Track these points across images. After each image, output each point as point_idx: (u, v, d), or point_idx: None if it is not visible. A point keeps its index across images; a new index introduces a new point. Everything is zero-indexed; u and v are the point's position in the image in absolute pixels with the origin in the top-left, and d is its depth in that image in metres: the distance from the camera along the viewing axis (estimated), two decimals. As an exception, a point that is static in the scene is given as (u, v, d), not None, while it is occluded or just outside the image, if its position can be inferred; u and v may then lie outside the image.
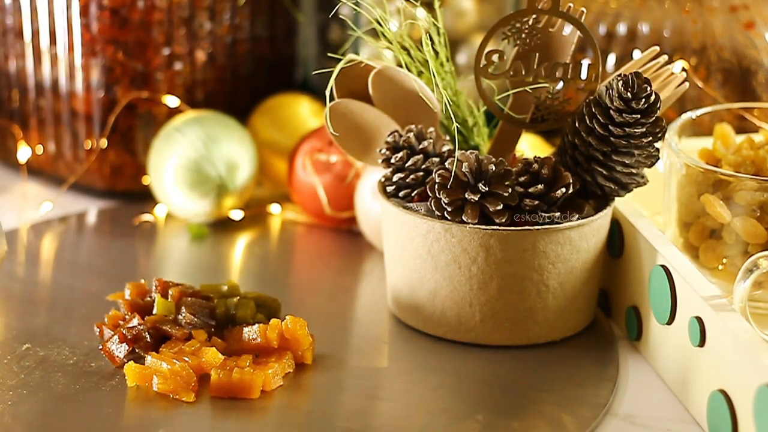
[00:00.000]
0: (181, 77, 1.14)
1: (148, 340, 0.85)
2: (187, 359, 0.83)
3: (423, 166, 0.89)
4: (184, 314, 0.87)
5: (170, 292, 0.89)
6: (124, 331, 0.85)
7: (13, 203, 1.14)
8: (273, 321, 0.85)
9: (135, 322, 0.86)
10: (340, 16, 1.19)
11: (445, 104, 0.91)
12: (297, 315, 0.87)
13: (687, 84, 0.90)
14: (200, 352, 0.84)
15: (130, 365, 0.83)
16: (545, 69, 0.90)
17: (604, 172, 0.88)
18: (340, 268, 1.02)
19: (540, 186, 0.86)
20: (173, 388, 0.81)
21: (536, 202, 0.86)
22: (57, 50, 1.12)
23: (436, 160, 0.90)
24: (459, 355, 0.88)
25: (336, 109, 0.91)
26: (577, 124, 0.88)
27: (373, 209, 1.02)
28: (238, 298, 0.89)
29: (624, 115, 0.85)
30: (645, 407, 0.84)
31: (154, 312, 0.88)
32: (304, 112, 1.17)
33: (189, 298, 0.88)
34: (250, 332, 0.85)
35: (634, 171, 0.88)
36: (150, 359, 0.83)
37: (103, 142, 1.12)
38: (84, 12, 1.09)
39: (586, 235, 0.88)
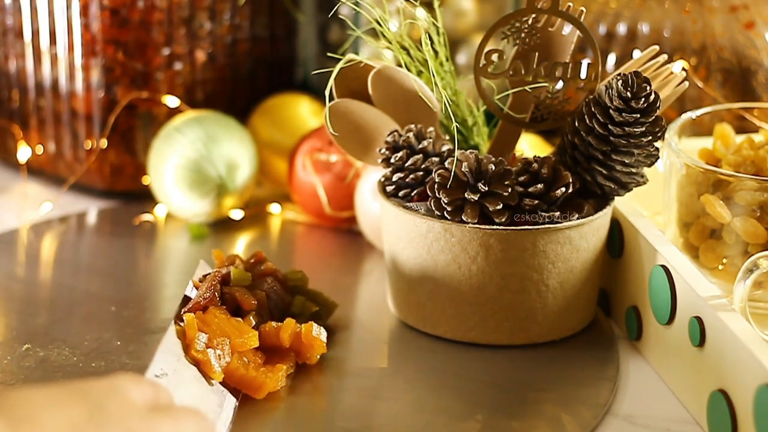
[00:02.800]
0: (181, 77, 1.14)
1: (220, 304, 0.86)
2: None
3: (423, 166, 0.89)
4: (257, 291, 0.87)
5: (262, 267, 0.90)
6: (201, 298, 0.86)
7: (13, 203, 1.14)
8: (288, 321, 0.85)
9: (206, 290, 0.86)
10: (340, 16, 1.19)
11: (445, 104, 0.91)
12: (297, 315, 0.87)
13: (686, 83, 0.90)
14: (242, 328, 0.83)
15: (191, 316, 0.83)
16: (545, 68, 0.90)
17: (604, 171, 0.88)
18: (340, 268, 1.02)
19: (540, 185, 0.86)
20: (206, 359, 0.81)
21: (536, 201, 0.86)
22: (57, 50, 1.12)
23: (436, 159, 0.90)
24: (459, 355, 0.88)
25: (336, 109, 0.91)
26: (576, 124, 0.88)
27: (373, 209, 1.02)
28: (316, 309, 0.90)
29: (623, 114, 0.85)
30: (645, 407, 0.84)
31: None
32: (304, 112, 1.17)
33: (273, 283, 0.88)
34: (266, 329, 0.85)
35: (633, 170, 0.88)
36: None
37: (103, 142, 1.12)
38: (84, 12, 1.09)
39: (586, 234, 0.88)
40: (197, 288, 0.88)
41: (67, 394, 0.62)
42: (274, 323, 0.85)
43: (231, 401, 0.81)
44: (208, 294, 0.85)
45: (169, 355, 0.79)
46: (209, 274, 0.88)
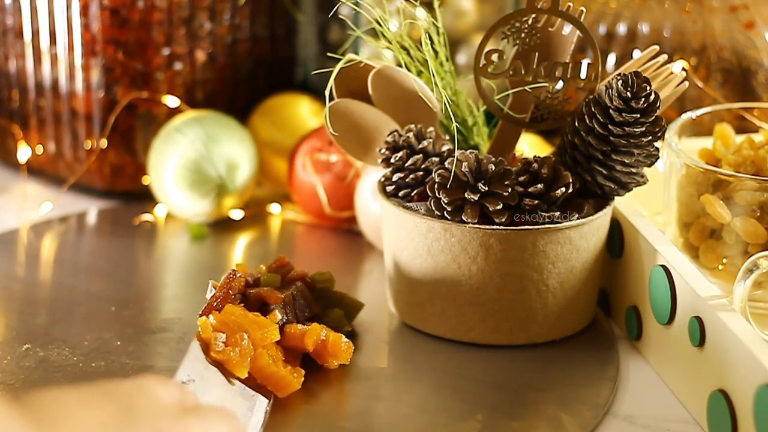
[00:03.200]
0: (181, 77, 1.14)
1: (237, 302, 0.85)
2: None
3: (423, 166, 0.89)
4: (285, 293, 0.86)
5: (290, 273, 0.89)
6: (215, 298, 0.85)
7: (13, 203, 1.14)
8: (314, 326, 0.84)
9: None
10: (340, 16, 1.19)
11: (445, 104, 0.91)
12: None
13: (686, 83, 0.90)
14: (261, 322, 0.82)
15: (203, 319, 0.82)
16: (545, 68, 0.90)
17: (604, 171, 0.88)
18: (340, 268, 1.02)
19: (540, 185, 0.86)
20: (227, 358, 0.80)
21: (536, 201, 0.86)
22: (57, 50, 1.12)
23: (436, 159, 0.90)
24: (459, 355, 0.88)
25: (336, 109, 0.91)
26: (576, 124, 0.88)
27: (373, 209, 1.02)
28: (348, 327, 0.89)
29: (623, 114, 0.85)
30: (645, 407, 0.84)
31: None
32: (304, 112, 1.17)
33: (301, 287, 0.87)
34: (290, 331, 0.84)
35: (633, 170, 0.88)
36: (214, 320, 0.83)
37: (103, 142, 1.12)
38: (84, 12, 1.09)
39: (586, 234, 0.88)
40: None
41: (96, 394, 0.61)
42: (299, 326, 0.85)
43: (262, 403, 0.80)
44: (220, 293, 0.85)
45: (195, 362, 0.79)
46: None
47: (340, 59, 0.91)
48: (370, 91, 0.91)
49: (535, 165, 0.87)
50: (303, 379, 0.82)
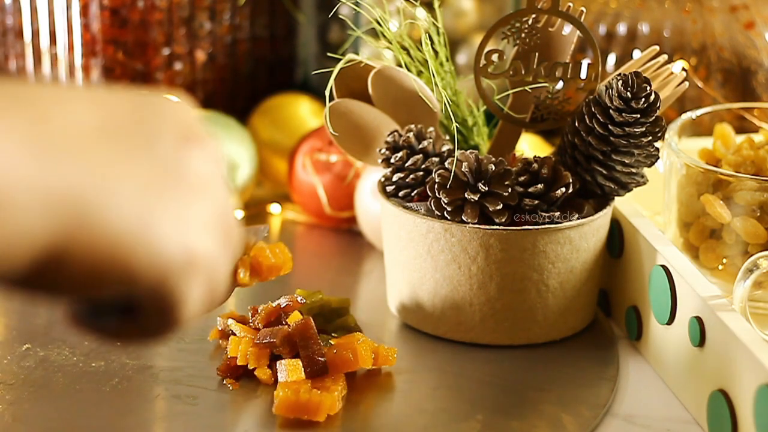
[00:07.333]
0: (181, 77, 1.14)
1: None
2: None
3: (423, 166, 0.89)
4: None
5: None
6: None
7: (13, 203, 1.13)
8: (360, 348, 0.83)
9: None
10: (340, 16, 1.19)
11: (445, 104, 0.91)
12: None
13: (687, 83, 0.90)
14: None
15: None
16: (545, 68, 0.90)
17: (604, 171, 0.88)
18: (340, 268, 1.02)
19: (540, 185, 0.86)
20: None
21: (536, 201, 0.86)
22: (57, 50, 1.12)
23: (436, 159, 0.90)
24: (459, 355, 0.88)
25: (336, 109, 0.91)
26: (576, 124, 0.88)
27: (373, 209, 1.02)
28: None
29: (624, 114, 0.85)
30: (645, 407, 0.84)
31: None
32: (304, 112, 1.17)
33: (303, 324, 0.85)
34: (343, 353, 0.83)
35: (633, 170, 0.88)
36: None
37: (103, 142, 1.12)
38: (84, 12, 1.09)
39: (586, 234, 0.88)
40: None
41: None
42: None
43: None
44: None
45: None
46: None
47: (340, 59, 0.91)
48: (370, 91, 0.91)
49: (535, 165, 0.87)
50: (334, 397, 0.79)
